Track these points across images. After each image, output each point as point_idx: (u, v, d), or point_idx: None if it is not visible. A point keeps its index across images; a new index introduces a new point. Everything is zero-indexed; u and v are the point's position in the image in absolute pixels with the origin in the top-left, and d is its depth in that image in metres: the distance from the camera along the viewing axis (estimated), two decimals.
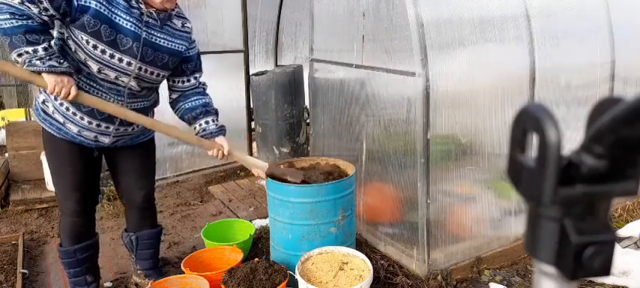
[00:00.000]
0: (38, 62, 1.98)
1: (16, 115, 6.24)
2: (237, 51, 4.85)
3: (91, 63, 2.14)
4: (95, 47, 2.10)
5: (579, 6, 3.24)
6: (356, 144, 3.20)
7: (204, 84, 2.59)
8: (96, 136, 2.32)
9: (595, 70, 3.32)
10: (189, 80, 2.51)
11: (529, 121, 0.45)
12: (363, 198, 3.24)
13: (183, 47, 2.38)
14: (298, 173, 2.79)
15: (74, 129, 2.27)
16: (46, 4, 1.95)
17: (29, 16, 1.93)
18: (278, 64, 6.51)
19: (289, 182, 2.72)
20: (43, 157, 4.09)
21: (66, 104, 2.22)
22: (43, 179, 4.18)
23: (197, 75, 2.53)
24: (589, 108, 0.46)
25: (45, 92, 2.26)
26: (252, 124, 5.01)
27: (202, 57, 4.52)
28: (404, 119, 2.74)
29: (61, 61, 2.06)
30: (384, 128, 2.92)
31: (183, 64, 2.44)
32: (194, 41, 2.48)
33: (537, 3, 2.97)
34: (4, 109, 7.15)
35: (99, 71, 2.17)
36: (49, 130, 2.31)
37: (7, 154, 4.47)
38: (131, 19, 2.14)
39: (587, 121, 0.46)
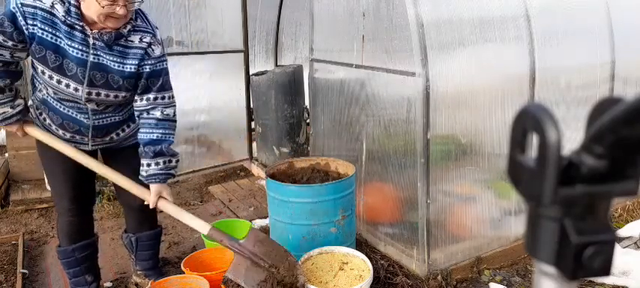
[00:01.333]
0: None
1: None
2: (237, 51, 4.85)
3: (47, 89, 2.17)
4: (43, 73, 2.09)
5: (579, 6, 3.24)
6: (356, 144, 3.20)
7: (162, 105, 2.27)
8: (76, 145, 2.32)
9: (595, 70, 3.32)
10: (142, 100, 2.25)
11: (529, 121, 0.45)
12: (363, 198, 3.24)
13: (134, 67, 2.16)
14: (233, 242, 2.28)
15: (58, 133, 2.31)
16: (3, 38, 1.98)
17: None
18: (278, 64, 6.51)
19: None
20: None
21: (43, 114, 2.26)
22: (43, 179, 4.17)
23: (150, 96, 2.23)
24: (589, 108, 0.46)
25: (32, 99, 2.32)
26: (252, 124, 5.01)
27: (202, 57, 4.56)
28: (404, 119, 2.74)
29: (3, 103, 2.14)
30: (384, 128, 2.92)
31: (145, 82, 2.23)
32: (151, 57, 2.20)
33: (537, 3, 2.97)
34: None
35: (55, 95, 2.18)
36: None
37: (7, 154, 4.47)
38: (75, 45, 2.06)
39: (587, 121, 0.46)
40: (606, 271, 0.45)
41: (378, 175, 3.05)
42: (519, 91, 2.94)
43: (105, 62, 2.12)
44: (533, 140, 0.45)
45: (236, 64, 4.89)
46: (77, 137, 2.30)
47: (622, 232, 3.24)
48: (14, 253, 3.25)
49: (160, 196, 2.30)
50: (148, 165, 2.26)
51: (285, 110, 4.58)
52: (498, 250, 3.04)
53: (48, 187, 4.08)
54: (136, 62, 2.17)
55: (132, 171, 2.51)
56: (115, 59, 2.14)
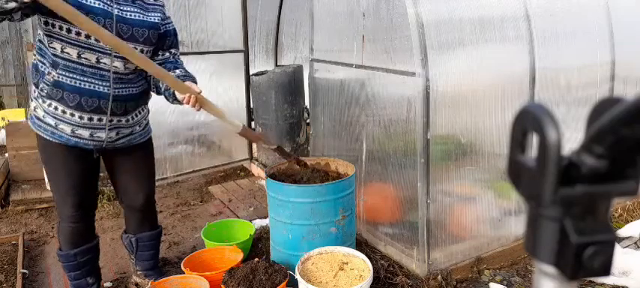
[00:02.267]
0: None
1: (16, 115, 6.24)
2: (237, 51, 4.85)
3: (69, 49, 2.10)
4: (69, 31, 2.06)
5: (579, 6, 3.24)
6: (356, 144, 3.20)
7: (179, 59, 2.51)
8: (91, 133, 2.25)
9: (595, 70, 3.32)
10: (164, 54, 2.43)
11: (529, 121, 0.45)
12: (363, 198, 3.24)
13: (158, 19, 2.33)
14: (269, 140, 2.83)
15: (67, 129, 2.22)
16: None
17: None
18: (278, 64, 6.51)
19: (264, 143, 2.83)
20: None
21: (54, 103, 2.18)
22: (43, 179, 4.17)
23: (173, 50, 2.46)
24: (589, 108, 0.46)
25: (35, 98, 2.25)
26: (252, 124, 5.01)
27: (202, 57, 4.57)
28: (404, 119, 2.74)
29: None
30: (384, 128, 2.92)
31: (161, 41, 2.38)
32: (169, 17, 2.44)
33: (537, 3, 2.97)
34: (4, 109, 7.15)
35: (79, 55, 2.12)
36: (44, 136, 2.26)
37: (7, 154, 4.47)
38: None
39: (587, 121, 0.46)
40: (606, 271, 0.45)
41: (378, 175, 3.05)
42: (519, 91, 2.94)
43: (128, 16, 2.20)
44: (533, 140, 0.45)
45: (236, 64, 4.89)
46: (95, 119, 2.23)
47: (622, 232, 3.24)
48: (14, 253, 3.25)
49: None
50: (180, 70, 2.40)
51: (285, 110, 4.59)
52: (498, 250, 3.04)
53: (48, 187, 4.09)
54: (159, 16, 2.34)
55: (133, 173, 2.52)
56: (138, 11, 2.25)
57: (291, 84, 4.57)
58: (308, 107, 4.04)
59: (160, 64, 2.34)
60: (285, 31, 6.48)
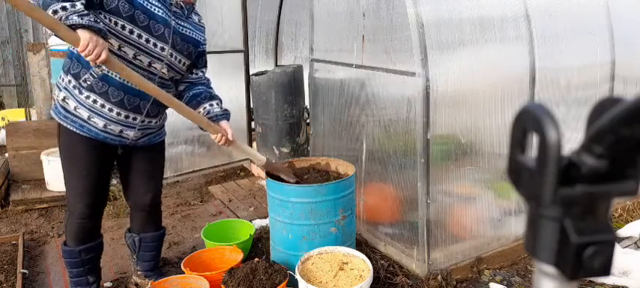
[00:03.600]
0: (76, 17, 1.87)
1: (16, 115, 6.24)
2: (237, 51, 4.85)
3: (126, 48, 2.16)
4: (131, 32, 2.13)
5: (579, 6, 3.24)
6: (356, 144, 3.20)
7: (210, 80, 2.65)
8: (121, 130, 2.30)
9: (595, 70, 3.32)
10: (197, 74, 2.55)
11: (529, 121, 0.45)
12: (363, 198, 3.24)
13: (202, 39, 2.48)
14: (290, 174, 2.83)
15: (100, 123, 2.24)
16: None
17: None
18: (278, 64, 6.51)
19: (282, 180, 2.75)
20: (44, 157, 4.09)
21: (93, 96, 2.19)
22: (43, 179, 4.18)
23: (204, 70, 2.59)
24: (589, 108, 0.46)
25: (66, 89, 2.24)
26: (252, 124, 5.01)
27: None
28: (404, 119, 2.74)
29: (98, 21, 1.99)
30: (384, 128, 2.92)
31: (197, 58, 2.50)
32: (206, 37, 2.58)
33: (537, 3, 2.97)
34: (4, 109, 7.15)
35: (134, 57, 2.19)
36: (71, 128, 2.24)
37: (7, 154, 4.47)
38: (161, 7, 2.22)
39: (587, 121, 0.46)
40: (606, 271, 0.45)
41: (378, 175, 3.05)
42: (519, 91, 2.94)
43: (182, 30, 2.34)
44: (533, 140, 0.45)
45: (236, 64, 4.89)
46: (130, 117, 2.29)
47: (622, 232, 3.24)
48: (14, 253, 3.25)
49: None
50: (217, 104, 2.52)
51: (285, 110, 4.58)
52: (498, 250, 3.04)
53: (48, 187, 4.10)
54: (203, 36, 2.50)
55: (143, 172, 2.54)
56: (190, 28, 2.40)
57: (291, 84, 4.57)
58: (308, 107, 4.04)
59: (193, 84, 2.52)
60: (285, 31, 6.48)
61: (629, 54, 3.48)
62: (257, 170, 4.81)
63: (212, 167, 4.86)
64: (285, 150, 4.63)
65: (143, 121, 2.36)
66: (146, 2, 2.16)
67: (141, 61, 2.21)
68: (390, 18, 2.73)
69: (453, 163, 2.78)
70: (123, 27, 2.11)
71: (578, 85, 3.20)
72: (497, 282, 2.85)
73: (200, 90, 2.51)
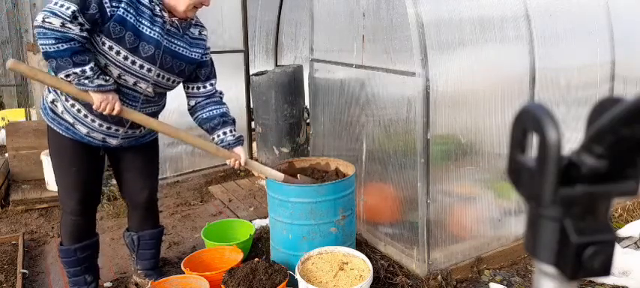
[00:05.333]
0: (86, 81, 2.06)
1: (16, 115, 6.24)
2: (237, 51, 4.85)
3: (112, 68, 2.17)
4: (118, 53, 2.13)
5: (579, 6, 3.24)
6: (356, 144, 3.20)
7: (220, 92, 2.60)
8: (104, 138, 2.33)
9: (595, 70, 3.32)
10: (205, 87, 2.52)
11: (529, 120, 0.45)
12: (363, 198, 3.24)
13: (199, 55, 2.42)
14: (307, 180, 2.83)
15: (83, 130, 2.29)
16: (81, 19, 1.98)
17: (72, 38, 1.98)
18: (278, 64, 6.51)
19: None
20: (44, 157, 4.09)
21: (77, 105, 2.24)
22: (43, 179, 4.18)
23: (212, 81, 2.55)
24: (589, 108, 0.46)
25: (54, 92, 2.27)
26: (252, 124, 5.01)
27: None
28: (404, 119, 2.74)
29: (107, 78, 2.13)
30: (384, 128, 2.92)
31: (198, 70, 2.47)
32: (208, 48, 2.51)
33: (537, 3, 2.97)
34: (4, 109, 7.15)
35: (119, 77, 2.19)
36: (57, 130, 2.30)
37: (7, 154, 4.47)
38: (155, 28, 2.19)
39: (587, 121, 0.46)
40: (606, 271, 0.45)
41: (378, 175, 3.05)
42: (519, 91, 2.94)
43: (175, 48, 2.30)
44: (533, 140, 0.45)
45: (236, 64, 4.89)
46: (113, 128, 2.31)
47: (622, 232, 3.24)
48: (14, 253, 3.25)
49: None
50: (231, 131, 2.51)
51: (285, 110, 4.58)
52: (498, 250, 3.04)
53: (48, 187, 4.09)
54: (201, 52, 2.43)
55: (137, 170, 2.55)
56: (184, 46, 2.34)
57: (291, 84, 4.57)
58: (308, 107, 4.04)
59: (202, 99, 2.52)
60: (285, 31, 6.48)
61: (629, 54, 3.48)
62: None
63: (212, 167, 4.86)
64: (285, 150, 4.64)
65: (126, 132, 2.37)
66: (139, 24, 2.14)
67: (126, 80, 2.21)
68: (390, 18, 2.73)
69: (453, 163, 2.78)
70: (110, 47, 2.11)
71: (578, 85, 3.20)
72: (497, 282, 2.85)
73: (212, 113, 2.50)
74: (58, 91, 2.26)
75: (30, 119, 5.96)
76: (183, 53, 2.34)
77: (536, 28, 2.93)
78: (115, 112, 2.16)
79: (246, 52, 4.91)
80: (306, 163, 3.07)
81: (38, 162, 4.21)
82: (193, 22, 2.40)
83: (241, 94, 4.97)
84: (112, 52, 2.12)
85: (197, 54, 2.41)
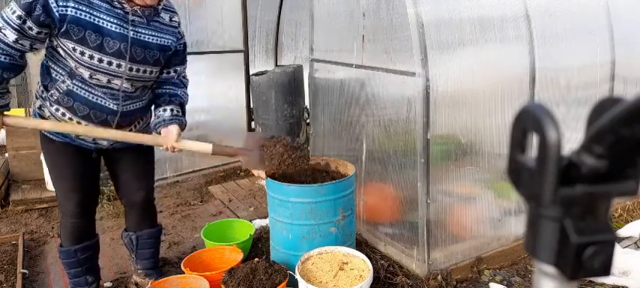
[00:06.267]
0: None
1: (16, 115, 6.23)
2: (237, 51, 4.85)
3: (82, 69, 2.13)
4: (83, 54, 2.08)
5: (579, 6, 3.24)
6: (356, 144, 3.20)
7: (183, 76, 2.51)
8: (94, 139, 2.32)
9: (595, 70, 3.32)
10: (169, 72, 2.44)
11: (529, 121, 0.45)
12: (363, 198, 3.24)
13: (172, 41, 2.32)
14: (250, 152, 2.51)
15: (71, 133, 2.28)
16: (30, 23, 1.98)
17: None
18: (278, 64, 6.51)
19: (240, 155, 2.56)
20: (43, 157, 4.09)
21: (61, 110, 2.21)
22: (43, 179, 4.18)
23: (179, 68, 2.46)
24: (589, 108, 0.46)
25: (41, 97, 2.27)
26: (252, 124, 5.01)
27: (202, 57, 4.56)
28: (404, 119, 2.74)
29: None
30: (384, 128, 2.92)
31: (171, 58, 2.39)
32: (183, 35, 2.42)
33: (537, 3, 2.97)
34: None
35: (90, 77, 2.15)
36: (47, 134, 2.31)
37: (7, 154, 4.47)
38: (114, 20, 2.09)
39: (587, 121, 0.46)
40: (606, 271, 0.45)
41: (378, 175, 3.05)
42: (519, 91, 2.94)
43: (143, 38, 2.20)
44: (533, 140, 0.45)
45: (236, 64, 4.89)
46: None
47: (622, 232, 3.24)
48: (14, 253, 3.25)
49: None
50: (171, 110, 2.39)
51: (285, 110, 4.59)
52: (498, 250, 3.04)
53: (48, 187, 4.09)
54: (173, 38, 2.33)
55: (133, 170, 2.54)
56: (153, 33, 2.24)
57: (291, 84, 4.57)
58: (308, 107, 4.04)
59: (160, 85, 2.44)
60: (285, 31, 6.48)
61: (629, 54, 3.48)
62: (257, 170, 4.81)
63: (212, 167, 4.86)
64: None
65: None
66: (96, 19, 2.05)
67: (98, 79, 2.16)
68: (390, 18, 2.73)
69: (453, 163, 2.78)
70: (74, 49, 2.07)
71: (578, 85, 3.20)
72: (497, 282, 2.85)
73: (163, 91, 2.42)
74: (44, 96, 2.25)
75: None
76: (154, 41, 2.24)
77: (536, 28, 2.93)
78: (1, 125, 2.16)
79: (246, 52, 4.91)
80: None
81: (38, 162, 4.21)
82: (162, 7, 2.27)
83: (241, 94, 4.97)
84: (77, 54, 2.08)
85: (170, 40, 2.31)
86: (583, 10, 3.27)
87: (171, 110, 2.38)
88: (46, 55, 2.23)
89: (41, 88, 2.27)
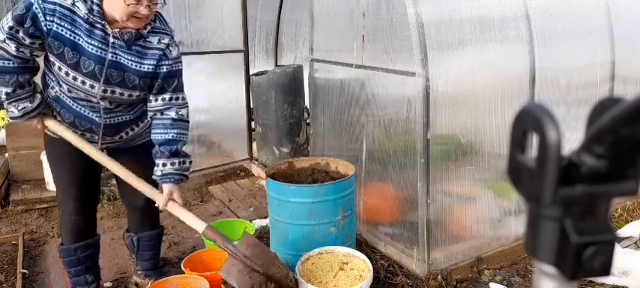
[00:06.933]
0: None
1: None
2: (237, 51, 4.85)
3: (62, 82, 2.16)
4: (60, 69, 2.10)
5: (579, 6, 3.24)
6: (356, 144, 3.20)
7: (178, 108, 2.31)
8: (89, 140, 2.32)
9: (595, 70, 3.32)
10: (157, 100, 2.28)
11: (529, 121, 0.45)
12: (363, 198, 3.24)
13: (152, 67, 2.20)
14: (228, 242, 2.27)
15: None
16: (22, 34, 2.01)
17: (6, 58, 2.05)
18: (278, 64, 6.51)
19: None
20: (43, 157, 4.09)
21: (54, 112, 2.26)
22: (43, 179, 4.18)
23: (166, 96, 2.28)
24: (589, 108, 0.46)
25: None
26: (252, 124, 5.01)
27: (202, 57, 4.56)
28: (404, 119, 2.74)
29: (33, 100, 2.17)
30: (384, 128, 2.92)
31: (163, 82, 2.26)
32: (169, 58, 2.24)
33: (537, 3, 2.97)
34: (4, 109, 7.14)
35: (69, 91, 2.18)
36: (50, 133, 2.32)
37: (7, 154, 4.47)
38: (94, 42, 2.08)
39: (587, 121, 0.46)
40: (606, 271, 0.45)
41: (378, 175, 3.05)
42: (519, 91, 2.94)
43: (122, 61, 2.14)
44: (533, 140, 0.45)
45: (236, 64, 4.89)
46: (87, 135, 2.29)
47: (622, 232, 3.24)
48: (14, 253, 3.25)
49: (170, 198, 2.31)
50: (164, 165, 2.27)
51: (285, 110, 4.58)
52: (498, 250, 3.04)
53: (48, 187, 4.09)
54: (154, 62, 2.20)
55: (139, 171, 2.52)
56: (132, 58, 2.17)
57: (291, 84, 4.57)
58: (308, 107, 4.04)
59: (152, 113, 2.32)
60: (285, 31, 6.48)
61: (629, 54, 3.48)
62: (257, 170, 4.82)
63: (212, 167, 4.86)
64: (285, 150, 4.64)
65: (104, 141, 2.34)
66: (76, 37, 2.05)
67: (77, 93, 2.17)
68: (390, 18, 2.73)
69: (453, 163, 2.78)
70: (53, 64, 2.11)
71: (578, 85, 3.20)
72: (497, 282, 2.85)
73: (156, 138, 2.30)
74: (46, 98, 2.28)
75: None
76: (132, 67, 2.16)
77: (536, 28, 2.93)
78: (41, 128, 2.25)
79: (246, 52, 4.91)
80: (306, 163, 3.07)
81: (38, 162, 4.21)
82: (150, 30, 2.19)
83: (241, 94, 4.97)
84: (55, 68, 2.11)
85: (149, 66, 2.19)
86: (583, 10, 3.27)
87: (162, 165, 2.27)
88: (44, 59, 2.25)
89: (43, 89, 2.33)
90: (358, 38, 3.02)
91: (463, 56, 2.71)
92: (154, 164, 2.60)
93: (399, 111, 2.76)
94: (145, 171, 2.57)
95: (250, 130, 5.04)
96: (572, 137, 2.72)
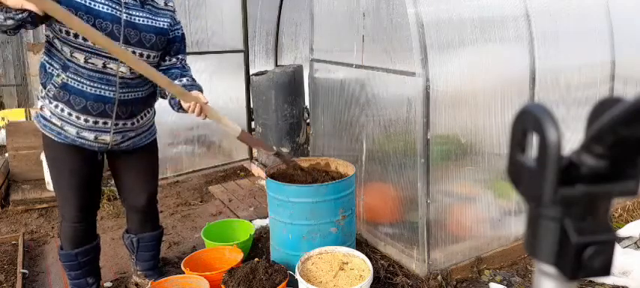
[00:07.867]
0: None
1: (16, 115, 6.24)
2: (237, 51, 4.86)
3: (77, 54, 2.10)
4: (76, 36, 2.06)
5: (579, 6, 3.24)
6: (356, 144, 3.20)
7: (187, 64, 2.48)
8: (96, 136, 2.26)
9: (595, 70, 3.32)
10: (170, 60, 2.39)
11: (529, 121, 0.45)
12: (363, 198, 3.24)
13: (167, 25, 2.30)
14: (271, 145, 2.79)
15: (72, 130, 2.22)
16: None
17: None
18: (278, 64, 6.51)
19: (263, 149, 2.80)
20: (44, 157, 4.10)
21: (61, 105, 2.18)
22: (43, 179, 4.18)
23: (180, 56, 2.42)
24: (589, 108, 0.46)
25: (42, 97, 2.25)
26: (252, 124, 5.01)
27: (202, 57, 4.56)
28: (404, 119, 2.74)
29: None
30: (384, 128, 2.92)
31: (169, 46, 2.35)
32: (179, 22, 2.40)
33: (537, 3, 2.97)
34: (4, 109, 7.15)
35: (86, 60, 2.11)
36: (49, 135, 2.26)
37: (7, 154, 4.47)
38: (106, 2, 2.07)
39: (587, 121, 0.46)
40: (606, 271, 0.45)
41: (378, 175, 3.05)
42: (519, 91, 2.94)
43: (137, 20, 2.18)
44: (534, 140, 0.45)
45: (236, 64, 4.89)
46: (100, 122, 2.23)
47: (622, 232, 3.24)
48: (14, 253, 3.25)
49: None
50: (187, 79, 2.35)
51: (285, 110, 4.58)
52: (498, 250, 3.04)
53: (48, 187, 4.09)
54: (168, 22, 2.31)
55: (136, 173, 2.52)
56: (146, 16, 2.22)
57: (291, 84, 4.57)
58: (308, 107, 4.04)
59: (166, 70, 2.34)
60: (285, 31, 6.48)
61: (629, 54, 3.48)
62: (257, 170, 4.82)
63: (212, 167, 4.86)
64: (285, 150, 4.63)
65: (116, 124, 2.28)
66: (89, 1, 2.03)
67: (94, 63, 2.13)
68: (390, 18, 2.73)
69: (453, 163, 2.78)
70: (67, 32, 2.05)
71: (578, 85, 3.20)
72: (497, 282, 2.85)
73: (172, 71, 2.37)
74: (43, 96, 2.22)
75: (30, 119, 5.96)
76: (149, 24, 2.21)
77: (536, 28, 2.93)
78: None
79: (246, 52, 4.91)
80: (306, 163, 3.06)
81: (38, 162, 4.21)
82: None
83: (241, 94, 4.98)
84: (71, 37, 2.06)
85: (165, 23, 2.28)
86: (583, 10, 3.27)
87: (187, 79, 2.34)
88: (43, 52, 2.22)
89: (41, 88, 2.26)
90: (358, 38, 3.02)
91: (463, 56, 2.71)
92: (156, 164, 2.61)
93: (399, 111, 2.76)
94: (151, 175, 2.58)
95: (250, 130, 5.04)
96: (572, 137, 2.72)
